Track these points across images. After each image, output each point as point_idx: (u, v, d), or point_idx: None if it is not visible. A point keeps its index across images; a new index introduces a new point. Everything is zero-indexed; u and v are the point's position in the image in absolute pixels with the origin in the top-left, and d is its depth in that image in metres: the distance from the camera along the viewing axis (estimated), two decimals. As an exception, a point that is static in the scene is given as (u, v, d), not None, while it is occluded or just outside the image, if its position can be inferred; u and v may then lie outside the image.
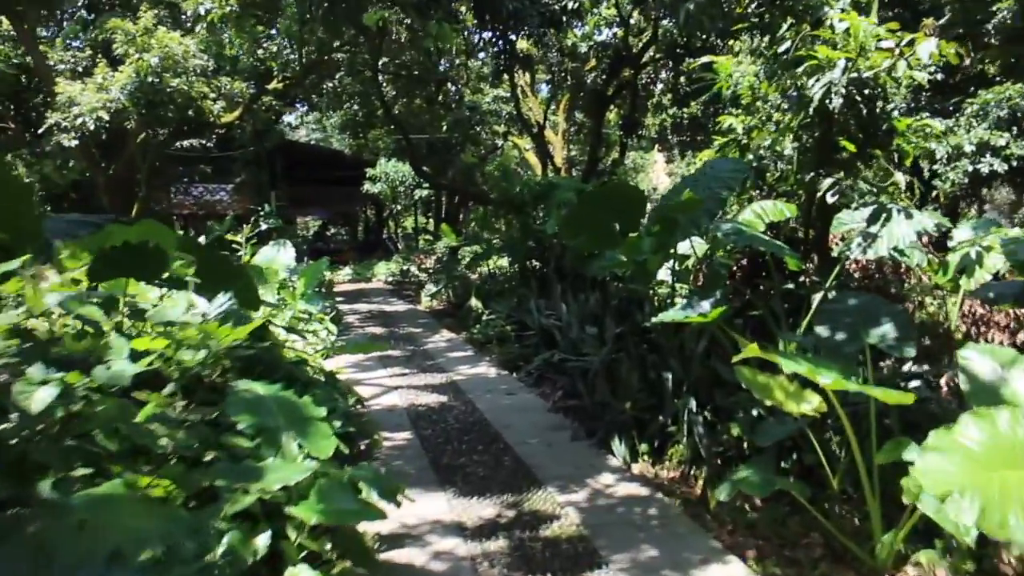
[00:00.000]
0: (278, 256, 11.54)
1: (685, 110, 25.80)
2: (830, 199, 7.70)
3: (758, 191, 10.39)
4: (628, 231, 8.20)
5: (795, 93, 8.01)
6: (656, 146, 30.82)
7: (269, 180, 20.14)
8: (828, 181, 7.76)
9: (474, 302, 14.21)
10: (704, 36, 16.45)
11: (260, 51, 15.98)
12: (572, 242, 8.56)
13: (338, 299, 20.18)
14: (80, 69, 15.59)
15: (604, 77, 19.78)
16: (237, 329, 5.15)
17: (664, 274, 9.68)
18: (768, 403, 4.46)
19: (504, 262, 16.20)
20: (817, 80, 7.42)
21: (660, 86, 25.57)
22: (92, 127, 13.66)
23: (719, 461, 5.81)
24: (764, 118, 10.10)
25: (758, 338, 5.63)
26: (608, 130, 26.72)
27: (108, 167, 16.53)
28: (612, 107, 23.00)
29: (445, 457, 6.55)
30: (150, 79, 13.61)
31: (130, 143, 15.44)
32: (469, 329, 13.34)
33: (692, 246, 8.86)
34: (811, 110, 7.62)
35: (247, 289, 5.69)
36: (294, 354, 6.98)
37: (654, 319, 6.11)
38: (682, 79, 25.32)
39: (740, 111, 10.21)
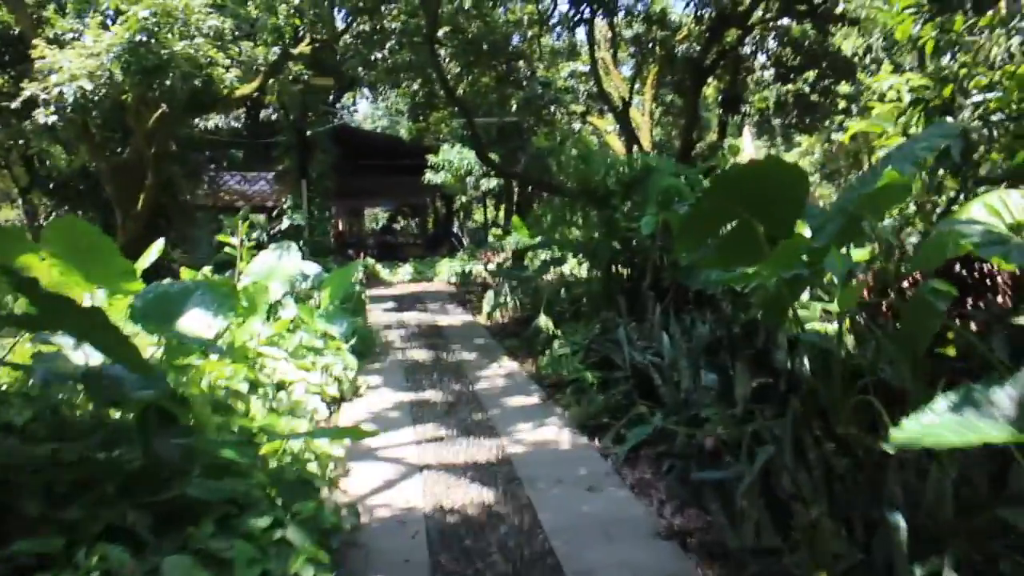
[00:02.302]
0: (279, 264, 8.65)
1: (790, 86, 22.35)
2: None
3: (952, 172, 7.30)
4: (778, 236, 5.14)
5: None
6: (743, 128, 27.32)
7: (298, 167, 17.33)
8: None
9: (543, 320, 11.12)
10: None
11: (282, 4, 13.14)
12: (694, 258, 5.47)
13: (387, 305, 17.38)
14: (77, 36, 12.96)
15: (703, 43, 16.46)
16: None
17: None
18: None
19: (581, 266, 13.09)
20: None
21: (762, 58, 22.13)
22: (71, 98, 10.97)
23: None
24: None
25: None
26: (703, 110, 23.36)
27: (113, 151, 13.93)
28: (709, 81, 19.63)
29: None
30: (139, 38, 10.84)
31: (131, 121, 12.76)
32: (536, 356, 10.29)
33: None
34: None
35: (111, 341, 3.63)
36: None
37: (893, 438, 2.88)
38: (787, 50, 21.88)
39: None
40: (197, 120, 15.27)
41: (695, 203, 5.11)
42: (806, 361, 6.81)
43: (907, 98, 8.24)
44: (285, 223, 16.92)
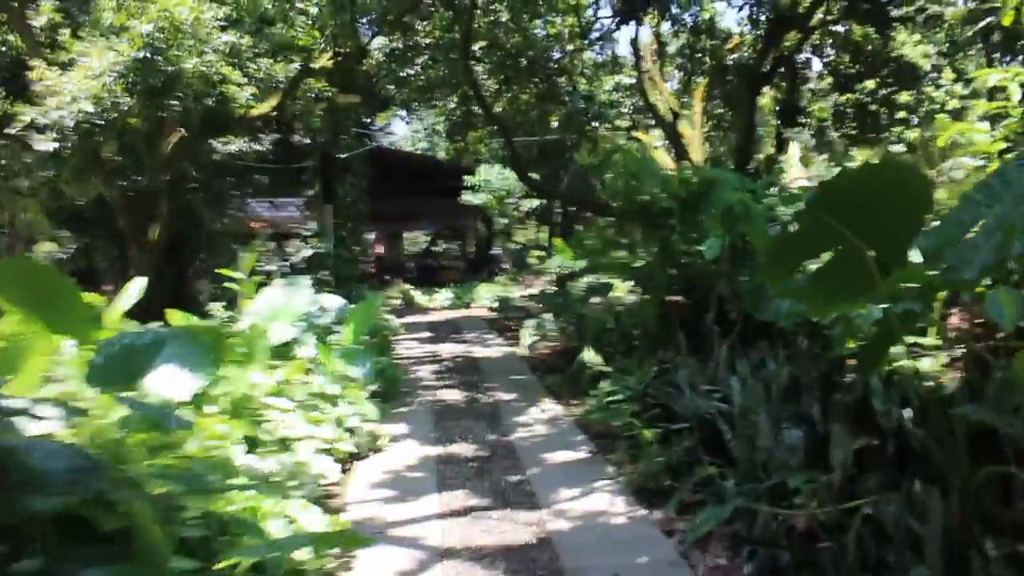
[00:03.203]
0: (288, 301, 7.61)
1: (849, 95, 20.99)
2: None
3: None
4: (889, 261, 3.99)
5: None
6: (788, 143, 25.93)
7: (323, 190, 16.35)
8: None
9: (589, 355, 9.95)
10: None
11: (300, 16, 12.19)
12: (786, 291, 4.32)
13: (421, 335, 16.32)
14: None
15: (759, 48, 15.23)
16: None
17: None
18: None
19: (631, 294, 11.89)
20: None
21: (819, 66, 20.81)
22: (71, 123, 10.10)
23: None
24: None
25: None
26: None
27: (128, 179, 13.08)
28: (764, 90, 18.35)
29: None
30: (144, 55, 9.93)
31: (141, 146, 11.88)
32: (581, 397, 9.12)
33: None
34: None
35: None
36: None
37: None
38: (846, 57, 20.53)
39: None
40: (217, 143, 14.33)
41: (794, 221, 3.94)
42: (906, 412, 5.61)
43: (1017, 94, 6.99)
44: (308, 251, 15.91)
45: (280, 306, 7.55)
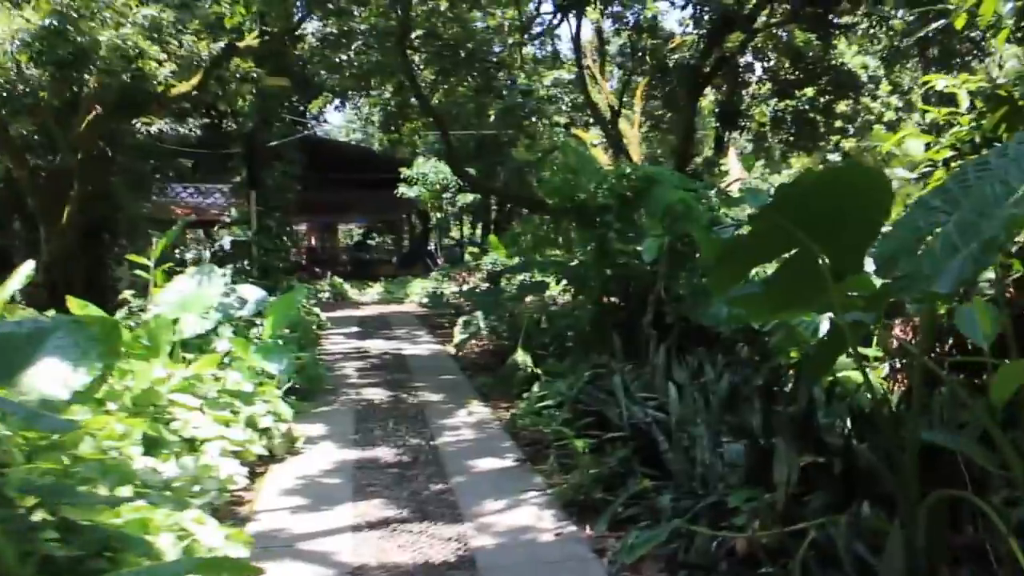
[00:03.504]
0: (199, 291, 7.07)
1: (788, 102, 21.03)
2: None
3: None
4: (844, 268, 3.71)
5: None
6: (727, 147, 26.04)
7: (247, 176, 15.63)
8: None
9: (521, 356, 9.59)
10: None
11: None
12: (736, 300, 4.01)
13: (350, 330, 15.81)
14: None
15: (701, 49, 15.01)
16: None
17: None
18: None
19: (566, 294, 11.55)
20: None
21: (760, 72, 20.82)
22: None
23: None
24: None
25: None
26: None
27: (41, 158, 12.32)
28: (705, 92, 18.20)
29: None
30: (50, 22, 9.24)
31: (50, 122, 11.15)
32: (513, 400, 8.77)
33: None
34: None
35: None
36: None
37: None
38: (787, 63, 20.52)
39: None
40: (138, 124, 13.59)
41: (746, 224, 3.60)
42: (847, 422, 5.39)
43: (966, 102, 6.81)
44: (226, 240, 15.17)
45: (191, 296, 7.01)
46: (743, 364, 7.19)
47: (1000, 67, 6.99)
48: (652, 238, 7.14)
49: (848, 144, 24.68)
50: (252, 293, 9.47)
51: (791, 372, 6.85)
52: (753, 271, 4.71)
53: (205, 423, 6.35)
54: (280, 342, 9.32)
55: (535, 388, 8.32)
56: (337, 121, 45.64)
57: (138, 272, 8.14)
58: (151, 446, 5.84)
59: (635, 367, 7.21)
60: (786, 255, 3.92)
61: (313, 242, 41.14)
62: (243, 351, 8.16)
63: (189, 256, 13.46)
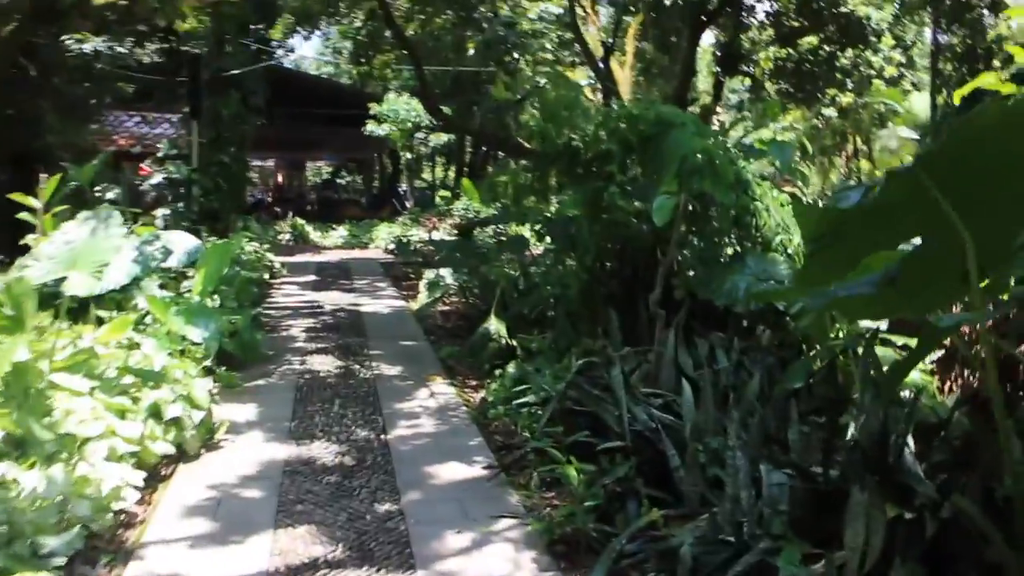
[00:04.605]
0: (91, 243, 5.61)
1: (789, 50, 19.60)
2: None
3: None
4: (995, 257, 2.14)
5: None
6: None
7: (190, 104, 13.90)
8: None
9: (495, 324, 8.26)
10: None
11: None
12: (834, 306, 2.69)
13: (306, 278, 14.41)
14: None
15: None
16: None
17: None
18: None
19: (547, 250, 10.16)
20: None
21: (762, 16, 19.31)
22: None
23: None
24: None
25: None
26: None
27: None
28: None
29: None
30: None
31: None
32: (484, 379, 7.45)
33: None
34: None
35: None
36: None
37: None
38: (791, 5, 19.04)
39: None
40: (71, 42, 11.92)
41: (880, 186, 2.25)
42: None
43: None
44: (157, 178, 13.51)
45: (81, 248, 5.57)
46: (763, 352, 5.92)
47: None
48: (664, 196, 5.76)
49: (846, 98, 23.38)
50: (182, 241, 8.04)
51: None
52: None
53: (93, 414, 4.97)
54: (213, 300, 7.93)
55: (510, 367, 7.01)
56: (309, 53, 43.52)
57: (24, 215, 6.64)
58: (18, 447, 4.50)
59: (636, 354, 5.89)
60: (915, 240, 2.60)
61: (280, 179, 39.33)
62: (161, 313, 6.75)
63: (111, 196, 11.82)
